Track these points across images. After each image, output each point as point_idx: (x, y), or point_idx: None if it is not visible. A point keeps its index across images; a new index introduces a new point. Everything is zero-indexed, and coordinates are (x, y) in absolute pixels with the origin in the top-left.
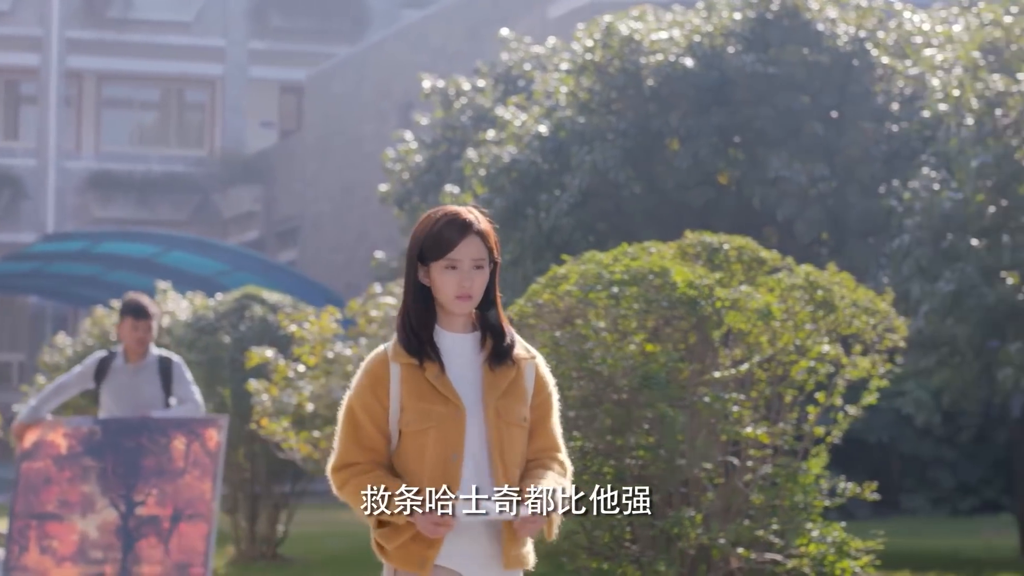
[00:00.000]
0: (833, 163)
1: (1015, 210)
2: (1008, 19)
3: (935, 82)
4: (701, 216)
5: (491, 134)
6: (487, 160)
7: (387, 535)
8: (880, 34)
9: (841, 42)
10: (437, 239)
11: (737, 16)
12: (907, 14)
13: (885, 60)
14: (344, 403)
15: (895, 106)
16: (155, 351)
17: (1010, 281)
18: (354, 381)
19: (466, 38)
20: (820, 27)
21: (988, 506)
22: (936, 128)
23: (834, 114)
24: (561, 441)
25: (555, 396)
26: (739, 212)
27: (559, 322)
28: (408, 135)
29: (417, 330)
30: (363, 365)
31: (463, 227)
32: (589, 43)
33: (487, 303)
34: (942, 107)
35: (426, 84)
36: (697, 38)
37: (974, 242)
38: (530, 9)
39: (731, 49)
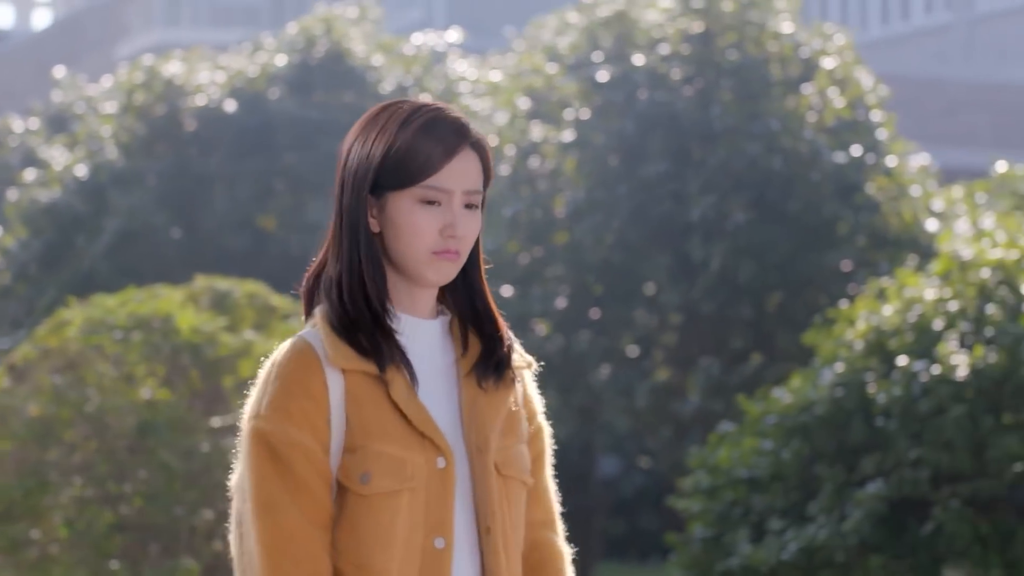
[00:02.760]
0: None
1: (549, 259)
2: (552, 68)
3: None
4: (245, 261)
5: (32, 175)
6: (26, 202)
7: None
8: (427, 81)
9: (386, 88)
10: (410, 153)
11: (281, 61)
12: (451, 62)
13: None
14: (249, 450)
15: None
16: None
17: (541, 330)
18: (262, 405)
19: (35, 76)
20: (365, 73)
21: None
22: None
23: None
24: (557, 504)
25: (548, 430)
26: (282, 257)
27: (63, 367)
28: None
29: (375, 310)
30: (272, 372)
31: (457, 133)
32: (132, 85)
33: (465, 270)
34: None
35: None
36: (239, 82)
37: (506, 291)
38: (97, 48)
39: (274, 93)
